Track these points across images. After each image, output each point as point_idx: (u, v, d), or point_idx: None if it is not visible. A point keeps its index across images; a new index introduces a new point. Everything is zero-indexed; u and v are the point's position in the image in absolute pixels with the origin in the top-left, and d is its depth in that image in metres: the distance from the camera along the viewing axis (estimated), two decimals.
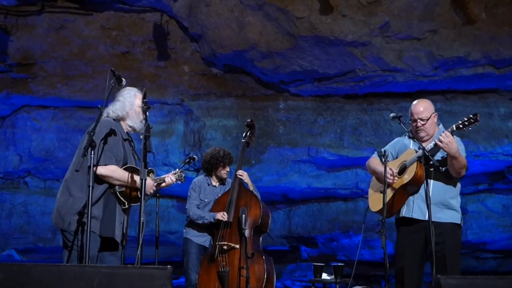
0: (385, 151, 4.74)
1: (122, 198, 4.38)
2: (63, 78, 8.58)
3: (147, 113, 4.36)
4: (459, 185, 4.77)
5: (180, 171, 5.03)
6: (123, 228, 4.42)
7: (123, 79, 4.44)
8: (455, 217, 4.66)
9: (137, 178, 4.35)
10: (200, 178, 6.36)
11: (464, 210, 6.33)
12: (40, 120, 8.97)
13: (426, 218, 4.44)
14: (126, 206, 4.42)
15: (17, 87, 8.62)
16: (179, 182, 5.03)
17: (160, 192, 5.64)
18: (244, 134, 6.13)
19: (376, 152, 4.86)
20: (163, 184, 4.79)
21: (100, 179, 4.27)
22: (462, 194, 5.14)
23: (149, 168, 4.33)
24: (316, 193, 9.54)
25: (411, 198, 4.72)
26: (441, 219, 4.60)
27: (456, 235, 4.67)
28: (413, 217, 4.67)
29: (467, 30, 7.88)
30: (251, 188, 5.99)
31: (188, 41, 8.66)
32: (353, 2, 7.71)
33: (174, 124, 9.02)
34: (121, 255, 4.47)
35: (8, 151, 9.08)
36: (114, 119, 4.50)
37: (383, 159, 4.65)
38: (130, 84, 4.66)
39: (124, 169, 4.40)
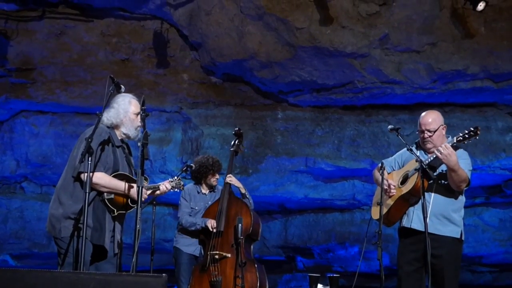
0: (382, 164, 4.76)
1: (110, 206, 4.35)
2: (62, 84, 8.58)
3: (145, 120, 4.35)
4: (462, 198, 4.75)
5: (178, 179, 4.98)
6: (114, 236, 4.40)
7: (122, 86, 4.43)
8: (455, 231, 4.64)
9: (130, 185, 4.34)
10: (190, 186, 6.35)
11: None
12: (38, 126, 8.96)
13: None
14: (115, 214, 4.39)
15: (15, 92, 8.62)
16: (177, 190, 4.99)
17: (156, 199, 5.63)
18: (232, 143, 6.14)
19: (382, 161, 4.90)
20: (158, 192, 4.73)
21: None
22: None
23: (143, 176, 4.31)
24: (313, 203, 9.53)
25: (411, 208, 4.72)
26: (441, 231, 4.59)
27: (455, 250, 4.65)
28: (412, 227, 4.67)
29: (466, 43, 7.91)
30: (243, 191, 5.99)
31: (188, 49, 8.67)
32: (353, 13, 7.74)
33: (172, 132, 9.01)
34: (117, 262, 4.45)
35: (5, 156, 9.06)
36: (108, 127, 4.48)
37: (381, 172, 4.68)
38: (129, 91, 4.65)
39: (115, 176, 4.37)
